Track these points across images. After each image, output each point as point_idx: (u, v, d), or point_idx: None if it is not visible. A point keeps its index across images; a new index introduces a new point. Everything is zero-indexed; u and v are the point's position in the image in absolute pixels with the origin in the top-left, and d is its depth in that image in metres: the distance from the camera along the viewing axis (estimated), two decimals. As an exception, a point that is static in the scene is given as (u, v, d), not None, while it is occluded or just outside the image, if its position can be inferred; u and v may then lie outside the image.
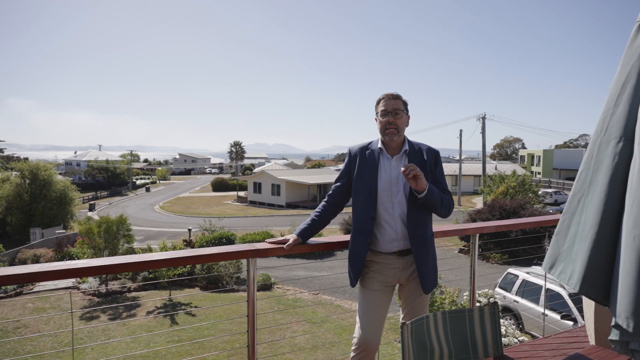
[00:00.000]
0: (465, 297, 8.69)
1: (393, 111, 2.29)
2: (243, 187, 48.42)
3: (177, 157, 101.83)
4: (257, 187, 42.44)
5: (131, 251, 15.37)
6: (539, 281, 9.33)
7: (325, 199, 2.49)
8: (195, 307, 12.27)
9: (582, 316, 7.57)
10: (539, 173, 55.07)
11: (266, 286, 14.00)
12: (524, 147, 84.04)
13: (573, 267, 1.42)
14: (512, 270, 10.43)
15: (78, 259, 15.79)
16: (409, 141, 2.38)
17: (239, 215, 35.08)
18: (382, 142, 2.36)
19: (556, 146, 74.54)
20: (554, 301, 8.72)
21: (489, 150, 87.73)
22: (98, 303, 12.88)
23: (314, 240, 2.52)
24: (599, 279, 1.36)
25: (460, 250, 19.52)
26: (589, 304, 2.54)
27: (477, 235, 3.07)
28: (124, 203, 44.83)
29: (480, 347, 1.98)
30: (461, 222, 22.07)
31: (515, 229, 15.41)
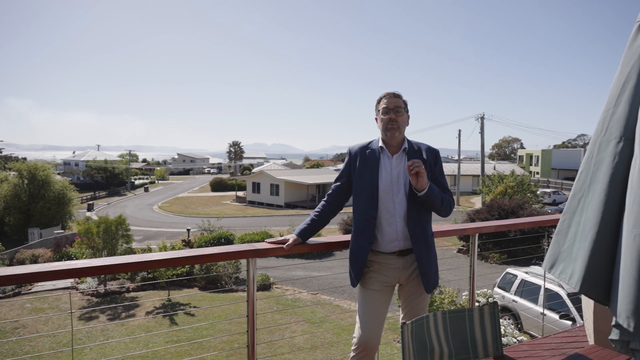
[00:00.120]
0: (464, 297, 8.70)
1: (395, 108, 2.31)
2: (242, 187, 48.40)
3: (176, 157, 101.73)
4: (256, 187, 42.42)
5: (130, 251, 15.35)
6: (538, 281, 9.34)
7: (325, 199, 2.49)
8: (194, 307, 12.26)
9: (581, 316, 7.58)
10: (537, 173, 55.16)
11: (265, 286, 13.99)
12: (522, 147, 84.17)
13: (573, 267, 1.42)
14: (511, 270, 10.44)
15: (77, 259, 15.77)
16: (409, 140, 2.39)
17: (237, 215, 35.06)
18: (383, 140, 2.37)
19: (554, 146, 74.66)
20: (552, 301, 8.73)
21: (488, 150, 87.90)
22: (97, 303, 12.86)
23: (313, 240, 2.51)
24: (600, 278, 1.37)
25: (459, 250, 19.54)
26: (588, 304, 2.55)
27: (477, 235, 3.08)
28: (123, 203, 44.77)
29: (480, 346, 1.99)
30: (460, 222, 22.10)
31: (514, 229, 15.43)
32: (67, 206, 30.30)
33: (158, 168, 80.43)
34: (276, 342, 9.30)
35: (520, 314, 9.35)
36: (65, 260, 16.32)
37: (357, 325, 2.31)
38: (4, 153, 62.67)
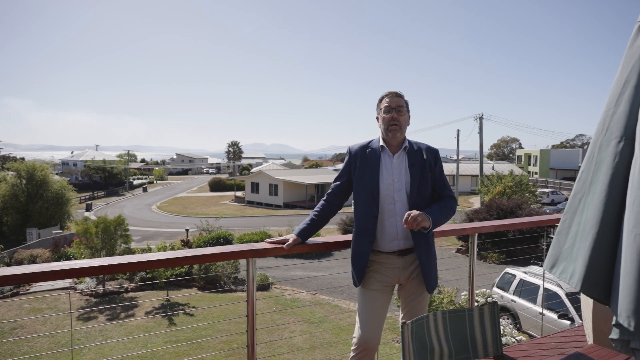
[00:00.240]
0: (463, 297, 8.71)
1: (397, 108, 2.31)
2: (240, 187, 48.36)
3: (175, 157, 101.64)
4: (255, 187, 42.40)
5: (129, 251, 15.33)
6: (536, 281, 9.36)
7: (325, 198, 2.48)
8: (193, 307, 12.25)
9: (580, 315, 7.61)
10: (535, 173, 55.25)
11: (264, 286, 13.99)
12: (521, 147, 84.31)
13: (574, 267, 1.43)
14: (510, 270, 10.46)
15: (75, 259, 15.73)
16: (409, 140, 2.40)
17: (236, 216, 35.04)
18: (384, 140, 2.37)
19: (553, 146, 74.79)
20: (551, 301, 8.75)
21: (486, 150, 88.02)
22: (95, 303, 12.84)
23: (313, 240, 2.51)
24: (600, 278, 1.37)
25: (458, 250, 19.56)
26: (587, 304, 2.55)
27: (476, 235, 3.08)
28: (121, 203, 44.70)
29: (480, 346, 1.99)
30: (459, 222, 22.12)
31: (513, 229, 15.46)
32: (66, 206, 30.22)
33: (157, 168, 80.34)
34: (275, 342, 9.29)
35: (518, 313, 9.36)
36: (63, 260, 16.29)
37: (357, 325, 2.31)
38: (2, 153, 62.54)
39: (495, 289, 10.28)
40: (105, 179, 59.40)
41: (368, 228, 2.29)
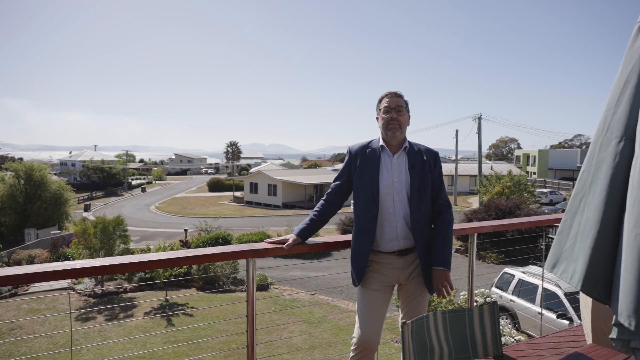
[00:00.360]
0: (462, 297, 8.72)
1: (396, 107, 2.32)
2: (239, 188, 48.33)
3: (173, 157, 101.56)
4: (254, 188, 42.38)
5: (127, 252, 15.30)
6: (535, 281, 9.37)
7: (324, 198, 2.48)
8: (192, 307, 12.23)
9: (579, 315, 7.62)
10: (534, 173, 55.34)
11: (263, 286, 13.98)
12: (519, 147, 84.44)
13: (575, 267, 1.43)
14: (508, 269, 10.47)
15: (74, 259, 15.70)
16: (409, 141, 2.40)
17: (235, 216, 35.02)
18: (384, 139, 2.37)
19: (551, 146, 74.91)
20: (549, 300, 8.77)
21: (485, 150, 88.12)
22: (94, 304, 12.82)
23: (313, 240, 2.51)
24: (601, 278, 1.37)
25: (457, 250, 19.58)
26: (586, 303, 2.56)
27: (475, 235, 3.08)
28: (120, 203, 44.63)
29: (480, 346, 1.99)
30: (457, 222, 22.09)
31: (512, 229, 15.49)
32: (64, 206, 30.17)
33: (155, 168, 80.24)
34: (274, 342, 9.29)
35: (517, 313, 9.37)
36: (62, 260, 16.26)
37: (357, 325, 2.30)
38: (0, 153, 62.39)
39: (494, 289, 10.29)
40: (104, 179, 59.31)
41: (368, 228, 2.29)
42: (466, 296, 5.49)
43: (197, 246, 17.77)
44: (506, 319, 9.18)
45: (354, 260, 2.34)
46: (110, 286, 13.89)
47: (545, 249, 8.83)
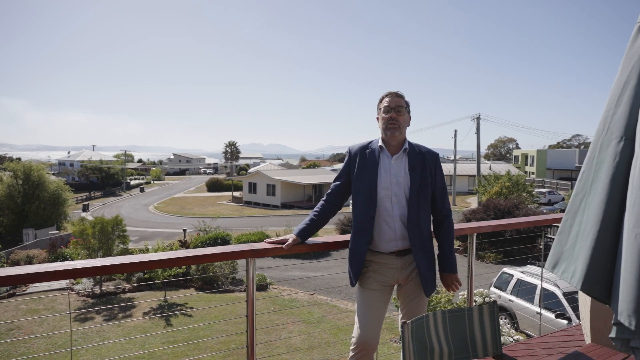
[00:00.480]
0: (460, 297, 8.73)
1: (396, 107, 2.31)
2: (238, 188, 48.31)
3: (172, 157, 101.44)
4: (252, 188, 42.36)
5: (126, 252, 15.27)
6: (534, 280, 9.39)
7: (324, 198, 2.48)
8: (191, 307, 12.22)
9: (577, 315, 7.63)
10: (532, 173, 55.43)
11: (262, 287, 13.97)
12: (517, 148, 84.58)
13: (575, 266, 1.44)
14: (507, 269, 10.49)
15: (72, 259, 15.67)
16: (409, 142, 2.39)
17: (234, 216, 35.00)
18: (383, 140, 2.36)
19: (550, 146, 75.05)
20: (548, 300, 8.78)
21: (483, 150, 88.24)
22: (92, 304, 12.79)
23: (312, 240, 2.51)
24: (601, 277, 1.38)
25: (456, 250, 19.59)
26: (585, 303, 2.56)
27: (475, 234, 3.09)
28: (118, 203, 44.56)
29: (480, 346, 1.99)
30: (456, 222, 22.14)
31: (511, 229, 15.52)
32: (62, 207, 30.11)
33: (154, 168, 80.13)
34: (273, 342, 9.29)
35: (516, 313, 9.39)
36: (60, 261, 16.23)
37: (356, 325, 2.30)
38: (-2, 153, 62.26)
39: (492, 289, 10.31)
40: (102, 179, 59.20)
41: (366, 229, 2.29)
42: (465, 296, 5.50)
43: (196, 246, 17.75)
44: (505, 318, 9.20)
45: (351, 260, 2.34)
46: (108, 286, 13.86)
47: (544, 249, 8.85)
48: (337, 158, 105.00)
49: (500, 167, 46.86)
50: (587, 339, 2.52)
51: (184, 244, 16.97)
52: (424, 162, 2.33)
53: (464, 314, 1.98)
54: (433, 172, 2.35)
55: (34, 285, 14.07)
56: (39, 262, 16.66)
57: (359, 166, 2.34)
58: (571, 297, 8.37)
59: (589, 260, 1.38)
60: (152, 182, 69.34)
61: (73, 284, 14.41)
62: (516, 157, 64.49)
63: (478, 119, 36.80)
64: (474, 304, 7.41)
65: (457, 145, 40.33)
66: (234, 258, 2.37)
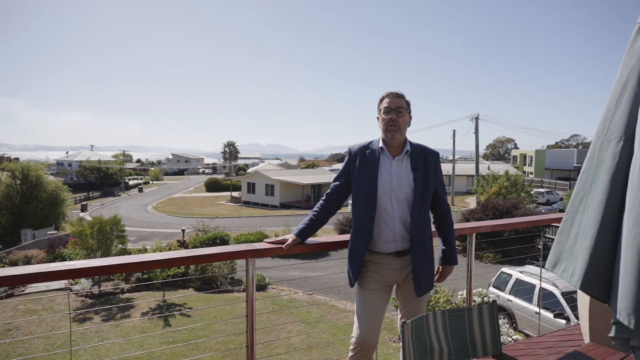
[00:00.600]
0: (460, 297, 8.74)
1: (396, 109, 2.29)
2: (237, 188, 48.28)
3: (170, 157, 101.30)
4: (251, 188, 42.34)
5: (125, 252, 15.25)
6: (533, 280, 9.40)
7: (324, 198, 2.47)
8: (190, 308, 12.21)
9: (576, 315, 7.64)
10: (531, 173, 55.52)
11: (261, 287, 13.96)
12: (516, 147, 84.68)
13: (575, 265, 1.44)
14: (506, 269, 10.51)
15: (71, 260, 15.64)
16: (410, 142, 2.38)
17: (232, 216, 34.97)
18: (383, 141, 2.35)
19: (548, 146, 75.16)
20: (547, 300, 8.80)
21: (482, 150, 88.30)
22: (91, 304, 12.77)
23: (312, 240, 2.51)
24: (600, 276, 1.38)
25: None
26: (583, 302, 2.57)
27: (474, 234, 3.09)
28: (117, 203, 44.50)
29: (479, 345, 2.00)
30: (455, 222, 22.15)
31: (510, 229, 15.54)
32: (61, 207, 30.05)
33: (152, 168, 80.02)
34: (272, 342, 9.29)
35: (515, 313, 9.40)
36: (59, 261, 16.19)
37: (355, 325, 2.30)
38: (-4, 153, 62.11)
39: (491, 289, 10.32)
40: (101, 180, 59.09)
41: (365, 229, 2.28)
42: (464, 296, 5.50)
43: (195, 246, 17.73)
44: (503, 318, 9.21)
45: (350, 260, 2.34)
46: (107, 286, 13.84)
47: (542, 249, 8.87)
48: (336, 158, 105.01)
49: (499, 167, 46.92)
50: (586, 339, 2.53)
51: (183, 244, 16.96)
52: (426, 162, 2.33)
53: (463, 314, 1.98)
54: (434, 172, 2.35)
55: (33, 285, 14.03)
56: (38, 263, 16.63)
57: (359, 167, 2.33)
58: (570, 297, 8.38)
59: (589, 260, 1.39)
60: (150, 182, 69.23)
61: (72, 284, 14.38)
62: (514, 157, 64.59)
63: (477, 119, 36.85)
64: (473, 303, 7.42)
65: (455, 145, 40.36)
66: (234, 258, 2.37)
